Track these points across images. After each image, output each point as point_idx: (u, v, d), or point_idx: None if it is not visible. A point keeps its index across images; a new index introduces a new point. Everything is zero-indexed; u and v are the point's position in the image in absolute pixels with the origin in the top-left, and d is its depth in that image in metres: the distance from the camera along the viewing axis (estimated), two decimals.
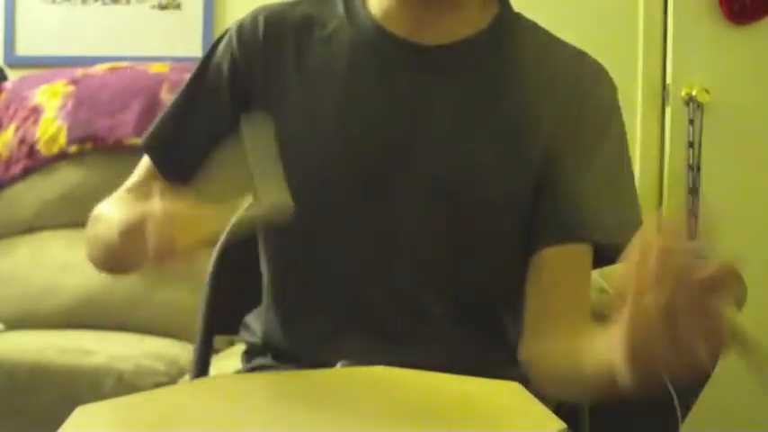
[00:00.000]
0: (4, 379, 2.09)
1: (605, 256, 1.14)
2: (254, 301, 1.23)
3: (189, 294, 2.34)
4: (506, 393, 0.90)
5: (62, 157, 2.67)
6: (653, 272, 0.76)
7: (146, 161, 1.22)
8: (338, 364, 1.05)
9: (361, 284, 1.13)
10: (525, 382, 0.96)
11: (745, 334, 0.78)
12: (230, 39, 1.18)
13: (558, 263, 1.12)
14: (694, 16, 2.73)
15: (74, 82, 2.74)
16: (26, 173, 2.70)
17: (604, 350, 0.88)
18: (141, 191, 1.15)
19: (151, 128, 1.22)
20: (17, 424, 2.07)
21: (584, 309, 1.12)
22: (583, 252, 1.13)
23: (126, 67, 2.76)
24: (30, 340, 2.26)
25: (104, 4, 3.04)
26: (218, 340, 1.50)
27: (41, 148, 2.69)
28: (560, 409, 0.87)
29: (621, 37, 2.78)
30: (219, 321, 1.39)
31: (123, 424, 0.84)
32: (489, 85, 1.14)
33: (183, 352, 2.21)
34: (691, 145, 2.73)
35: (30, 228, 2.69)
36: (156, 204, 0.92)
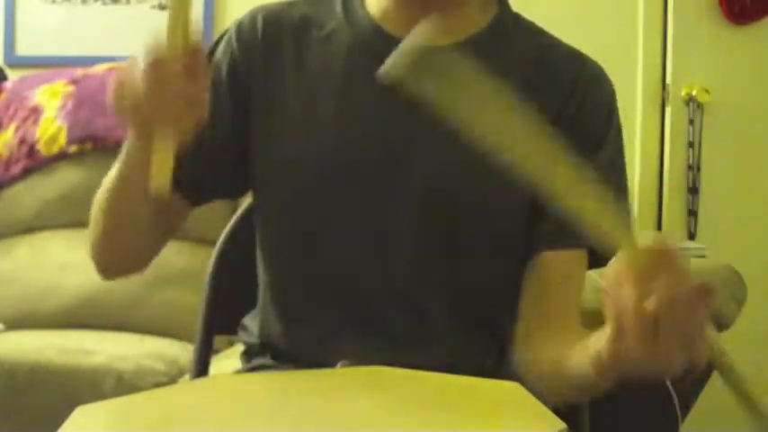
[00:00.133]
0: (4, 379, 2.09)
1: (600, 258, 1.14)
2: (254, 302, 1.23)
3: (189, 294, 2.34)
4: (506, 393, 0.90)
5: (62, 157, 2.68)
6: (635, 291, 0.79)
7: None
8: (338, 364, 1.05)
9: (360, 284, 1.13)
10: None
11: (731, 363, 0.80)
12: (230, 39, 1.18)
13: (552, 268, 1.12)
14: (694, 16, 2.73)
15: (74, 82, 2.74)
16: (26, 173, 2.70)
17: (587, 357, 0.91)
18: None
19: None
20: (17, 424, 2.07)
21: (575, 314, 1.13)
22: (577, 257, 1.13)
23: None
24: (30, 340, 2.26)
25: (104, 4, 3.04)
26: (218, 340, 1.50)
27: (41, 148, 2.69)
28: (560, 410, 0.88)
29: (621, 37, 2.78)
30: (219, 321, 1.39)
31: (123, 424, 0.84)
32: (488, 86, 1.14)
33: (183, 352, 2.21)
34: (691, 145, 2.73)
35: (30, 228, 2.69)
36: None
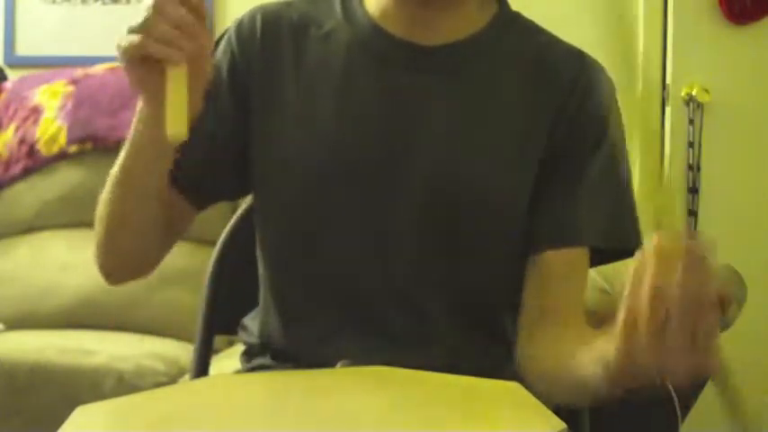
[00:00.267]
0: (4, 379, 2.09)
1: (602, 256, 1.14)
2: (254, 302, 1.23)
3: (189, 294, 2.34)
4: (506, 393, 0.89)
5: (62, 157, 2.68)
6: (648, 296, 0.78)
7: None
8: (338, 364, 1.05)
9: (360, 284, 1.13)
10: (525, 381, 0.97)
11: (728, 373, 0.79)
12: (229, 38, 1.18)
13: (554, 266, 1.12)
14: (694, 16, 2.73)
15: (74, 82, 2.74)
16: (26, 173, 2.70)
17: (594, 359, 0.91)
18: None
19: None
20: (17, 424, 2.07)
21: (579, 312, 1.12)
22: (579, 255, 1.13)
23: None
24: (30, 340, 2.26)
25: (104, 4, 3.04)
26: (218, 340, 1.51)
27: (41, 148, 2.69)
28: (560, 409, 0.88)
29: (621, 37, 2.78)
30: (219, 321, 1.39)
31: (123, 424, 0.84)
32: (487, 85, 1.14)
33: (183, 352, 2.21)
34: (691, 145, 2.73)
35: (30, 228, 2.69)
36: None
